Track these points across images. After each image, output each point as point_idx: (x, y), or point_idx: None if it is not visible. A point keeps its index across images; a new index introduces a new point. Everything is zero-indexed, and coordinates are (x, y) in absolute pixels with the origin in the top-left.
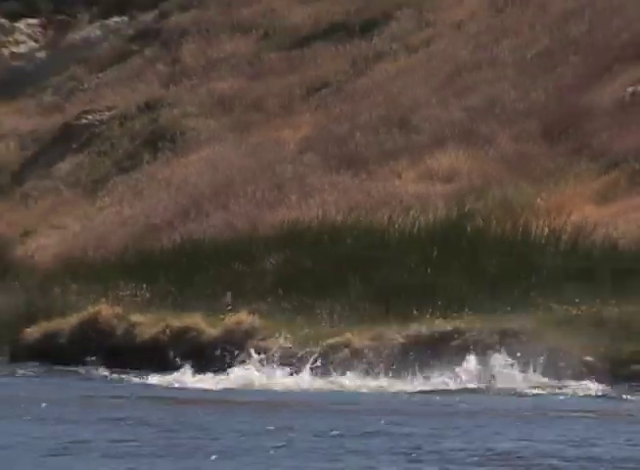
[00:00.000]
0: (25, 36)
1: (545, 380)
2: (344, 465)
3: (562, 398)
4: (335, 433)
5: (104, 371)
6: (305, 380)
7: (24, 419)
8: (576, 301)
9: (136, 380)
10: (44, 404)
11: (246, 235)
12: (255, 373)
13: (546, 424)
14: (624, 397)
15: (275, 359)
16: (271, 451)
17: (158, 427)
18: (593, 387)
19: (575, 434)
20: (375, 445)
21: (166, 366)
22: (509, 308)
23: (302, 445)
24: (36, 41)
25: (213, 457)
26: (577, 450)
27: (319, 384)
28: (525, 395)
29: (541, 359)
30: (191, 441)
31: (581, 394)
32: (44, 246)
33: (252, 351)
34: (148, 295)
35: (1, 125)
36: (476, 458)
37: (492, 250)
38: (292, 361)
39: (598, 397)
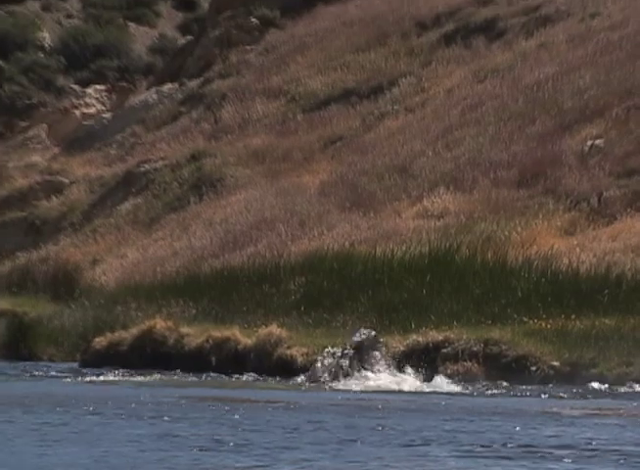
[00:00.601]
0: (94, 100)
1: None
2: None
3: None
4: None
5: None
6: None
7: (147, 419)
8: (544, 316)
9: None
10: (133, 405)
11: (274, 262)
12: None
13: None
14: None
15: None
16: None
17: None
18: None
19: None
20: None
21: (209, 370)
22: (490, 322)
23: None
24: (103, 104)
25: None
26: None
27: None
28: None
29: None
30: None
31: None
32: (109, 271)
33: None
34: (194, 311)
35: (74, 173)
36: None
37: (476, 274)
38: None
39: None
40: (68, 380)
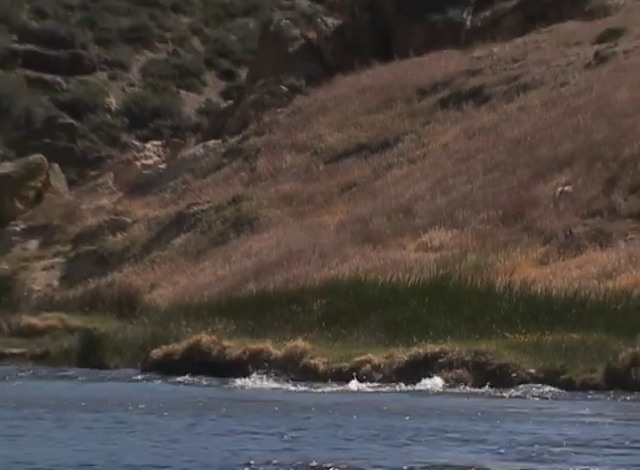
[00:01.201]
0: (152, 153)
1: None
2: None
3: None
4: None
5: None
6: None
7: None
8: (523, 331)
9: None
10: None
11: (300, 287)
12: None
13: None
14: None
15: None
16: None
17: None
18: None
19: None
20: None
21: (246, 376)
22: (478, 336)
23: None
24: (159, 157)
25: None
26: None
27: (361, 388)
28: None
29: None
30: None
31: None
32: (164, 294)
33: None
34: (234, 327)
35: (135, 214)
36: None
37: (467, 297)
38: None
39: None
40: (146, 383)
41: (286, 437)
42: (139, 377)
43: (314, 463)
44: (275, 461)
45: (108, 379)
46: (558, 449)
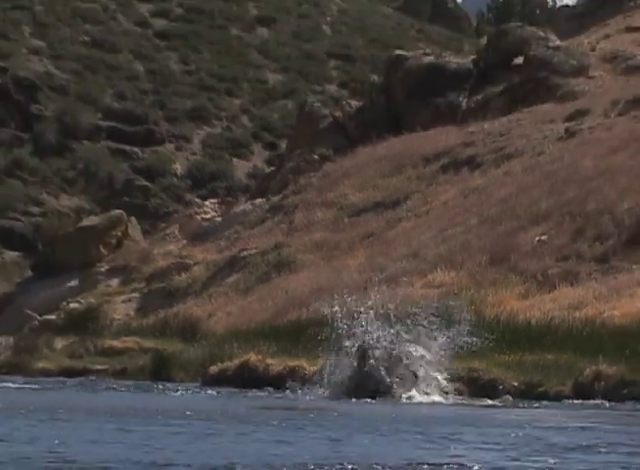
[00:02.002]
0: (210, 209)
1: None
2: None
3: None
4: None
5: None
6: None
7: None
8: (507, 352)
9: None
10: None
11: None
12: None
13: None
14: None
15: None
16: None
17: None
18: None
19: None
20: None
21: (285, 389)
22: (473, 355)
23: None
24: (215, 212)
25: None
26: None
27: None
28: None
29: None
30: None
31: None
32: (219, 322)
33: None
34: (275, 348)
35: (196, 258)
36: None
37: (462, 327)
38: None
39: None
40: (210, 393)
41: (343, 442)
42: (199, 389)
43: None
44: (328, 463)
45: (175, 390)
46: (537, 447)
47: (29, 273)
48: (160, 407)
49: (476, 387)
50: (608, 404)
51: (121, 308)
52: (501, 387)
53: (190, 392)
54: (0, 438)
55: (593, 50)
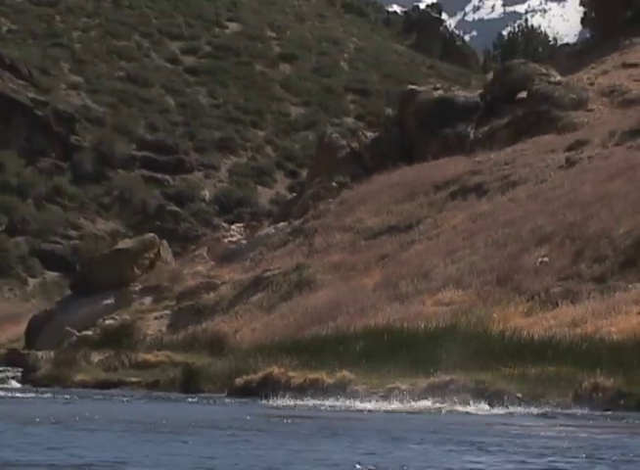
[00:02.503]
0: (236, 232)
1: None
2: None
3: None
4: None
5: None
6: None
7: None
8: (512, 365)
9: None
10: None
11: (345, 332)
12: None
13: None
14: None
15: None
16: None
17: None
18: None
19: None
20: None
21: (307, 398)
22: (479, 369)
23: None
24: (241, 235)
25: None
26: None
27: (395, 407)
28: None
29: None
30: None
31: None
32: (244, 338)
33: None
34: (297, 362)
35: (223, 278)
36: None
37: (470, 340)
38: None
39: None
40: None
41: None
42: (227, 400)
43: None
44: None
45: (204, 401)
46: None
47: (68, 292)
48: (197, 418)
49: (482, 397)
50: (599, 414)
51: (154, 325)
52: (506, 397)
53: (221, 403)
54: (61, 446)
55: (591, 85)
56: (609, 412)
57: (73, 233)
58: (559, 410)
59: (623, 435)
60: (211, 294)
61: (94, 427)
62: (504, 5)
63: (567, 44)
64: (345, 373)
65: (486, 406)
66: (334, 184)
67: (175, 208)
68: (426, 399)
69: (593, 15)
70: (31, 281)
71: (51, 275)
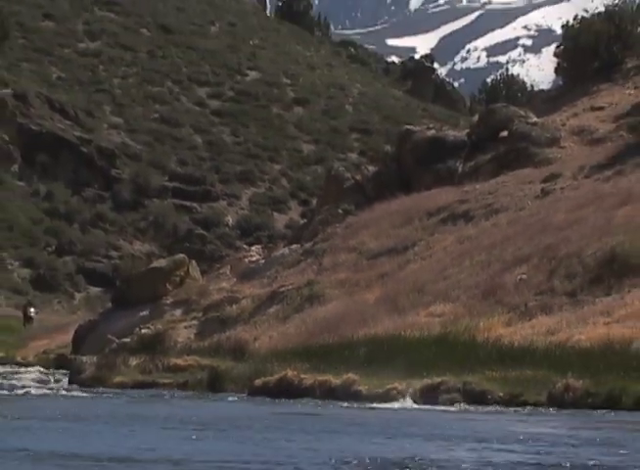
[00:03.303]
0: (255, 253)
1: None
2: None
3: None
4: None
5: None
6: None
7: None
8: (495, 369)
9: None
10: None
11: (350, 340)
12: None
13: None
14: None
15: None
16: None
17: None
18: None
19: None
20: None
21: (316, 398)
22: (467, 372)
23: None
24: (260, 255)
25: None
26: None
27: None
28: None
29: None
30: None
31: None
32: (262, 345)
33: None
34: (308, 366)
35: (244, 293)
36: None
37: (459, 347)
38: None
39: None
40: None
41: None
42: (246, 399)
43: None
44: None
45: (228, 400)
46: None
47: (109, 305)
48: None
49: (469, 397)
50: (569, 411)
51: (183, 333)
52: (490, 397)
53: (242, 401)
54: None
55: (564, 125)
56: (578, 409)
57: (114, 253)
58: (535, 408)
59: (529, 425)
60: (234, 306)
61: (172, 426)
62: (488, 56)
63: (542, 90)
64: (350, 375)
65: (472, 404)
66: (340, 211)
67: (202, 231)
68: (420, 398)
69: (565, 65)
70: (77, 295)
71: (94, 290)
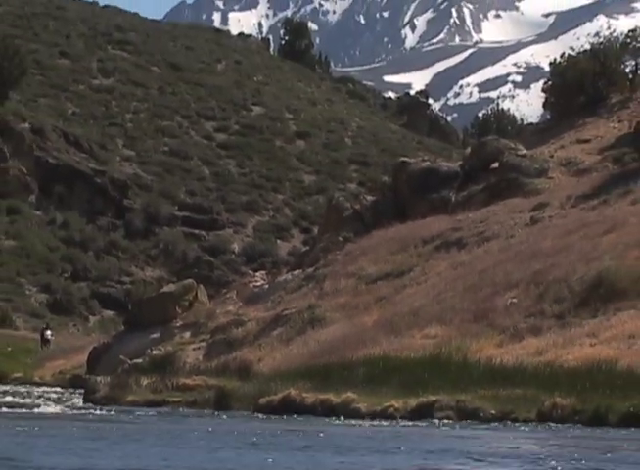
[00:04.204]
0: (260, 278)
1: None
2: None
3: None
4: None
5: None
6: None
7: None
8: (486, 387)
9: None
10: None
11: (350, 360)
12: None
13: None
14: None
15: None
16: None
17: None
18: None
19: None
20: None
21: (317, 415)
22: (459, 391)
23: None
24: (264, 280)
25: None
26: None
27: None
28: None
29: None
30: None
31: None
32: (266, 365)
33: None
34: (309, 385)
35: (249, 316)
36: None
37: (452, 366)
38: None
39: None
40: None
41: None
42: (253, 415)
43: None
44: None
45: (235, 417)
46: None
47: (122, 328)
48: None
49: (462, 414)
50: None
51: (192, 354)
52: (482, 414)
53: (249, 418)
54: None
55: (551, 157)
56: (564, 425)
57: (126, 279)
58: (525, 424)
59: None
60: (239, 329)
61: (203, 443)
62: (479, 92)
63: (531, 124)
64: (350, 394)
65: (465, 420)
66: (340, 239)
67: (210, 258)
68: (415, 416)
69: (553, 100)
70: (92, 319)
71: (107, 314)
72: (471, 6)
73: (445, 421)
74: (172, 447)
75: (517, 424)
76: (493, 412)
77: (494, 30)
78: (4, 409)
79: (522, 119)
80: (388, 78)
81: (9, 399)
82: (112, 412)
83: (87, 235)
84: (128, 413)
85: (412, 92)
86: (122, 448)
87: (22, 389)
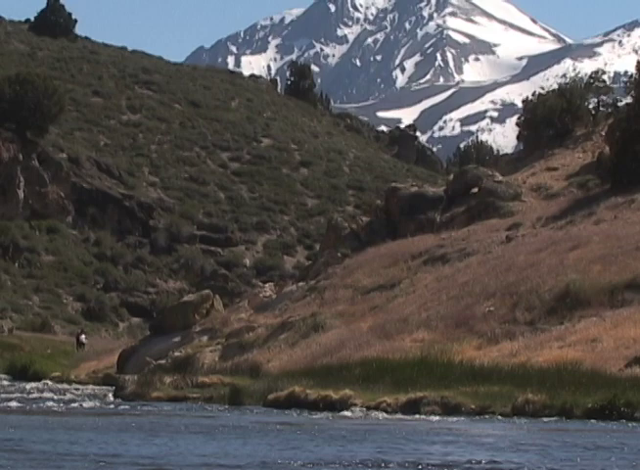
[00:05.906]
0: (268, 289)
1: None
2: None
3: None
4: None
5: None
6: (380, 416)
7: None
8: (468, 385)
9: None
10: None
11: (347, 361)
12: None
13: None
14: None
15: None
16: None
17: None
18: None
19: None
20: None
21: (318, 411)
22: (444, 388)
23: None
24: (272, 291)
25: None
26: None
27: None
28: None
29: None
30: None
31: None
32: (275, 366)
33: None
34: (312, 383)
35: (259, 322)
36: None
37: (437, 366)
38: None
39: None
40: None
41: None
42: (263, 410)
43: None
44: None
45: (244, 411)
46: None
47: (148, 333)
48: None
49: (446, 408)
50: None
51: (209, 356)
52: (463, 408)
53: (259, 413)
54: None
55: (524, 183)
56: (535, 418)
57: (151, 290)
58: (502, 417)
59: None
60: (251, 334)
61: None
62: (461, 126)
63: (506, 154)
64: (347, 391)
65: (448, 415)
66: (339, 254)
67: (225, 271)
68: (405, 410)
69: (525, 133)
70: (121, 325)
71: (135, 320)
72: (453, 51)
73: (432, 415)
74: (245, 441)
75: (494, 417)
76: (473, 407)
77: (474, 72)
78: (48, 404)
79: (498, 150)
80: (380, 114)
81: (49, 394)
82: (145, 408)
83: (117, 251)
84: (173, 407)
85: (402, 126)
86: (231, 443)
87: (59, 386)
